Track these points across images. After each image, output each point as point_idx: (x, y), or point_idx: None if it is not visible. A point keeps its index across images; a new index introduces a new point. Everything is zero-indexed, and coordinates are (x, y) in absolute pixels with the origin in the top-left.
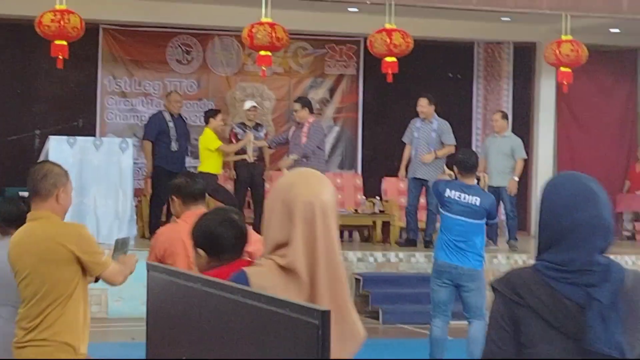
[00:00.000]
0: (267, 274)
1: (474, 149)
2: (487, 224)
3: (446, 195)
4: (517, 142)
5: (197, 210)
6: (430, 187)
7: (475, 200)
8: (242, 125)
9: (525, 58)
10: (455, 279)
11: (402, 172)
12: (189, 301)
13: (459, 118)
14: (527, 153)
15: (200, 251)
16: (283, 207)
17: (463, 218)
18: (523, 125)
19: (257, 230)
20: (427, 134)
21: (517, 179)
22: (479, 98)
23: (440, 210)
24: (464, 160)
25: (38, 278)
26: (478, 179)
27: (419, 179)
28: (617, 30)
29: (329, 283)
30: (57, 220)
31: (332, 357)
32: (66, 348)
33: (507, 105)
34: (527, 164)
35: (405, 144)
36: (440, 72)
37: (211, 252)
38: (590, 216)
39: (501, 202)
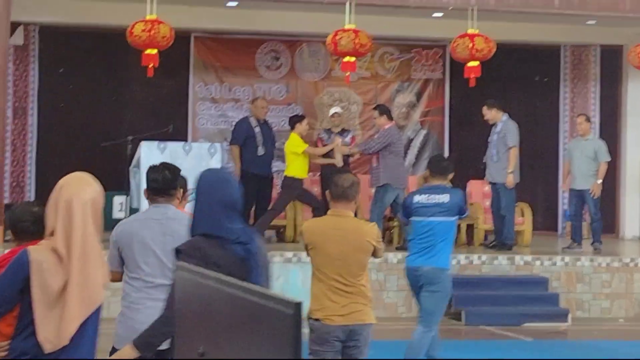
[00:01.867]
0: (42, 250)
1: (560, 152)
2: (461, 219)
3: (415, 201)
4: (600, 145)
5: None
6: (498, 189)
7: (444, 198)
8: (328, 130)
9: (612, 61)
10: (419, 280)
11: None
12: (204, 296)
13: (546, 121)
14: (614, 156)
15: (11, 233)
16: (54, 203)
17: (433, 218)
18: (611, 129)
19: None
20: (492, 137)
21: (600, 181)
22: (565, 101)
23: (412, 218)
24: (434, 162)
25: (352, 261)
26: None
27: (490, 182)
28: None
29: (80, 261)
30: (359, 219)
31: (73, 313)
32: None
33: (595, 109)
34: (615, 167)
35: None
36: (527, 75)
37: (16, 234)
38: (235, 196)
39: (585, 205)
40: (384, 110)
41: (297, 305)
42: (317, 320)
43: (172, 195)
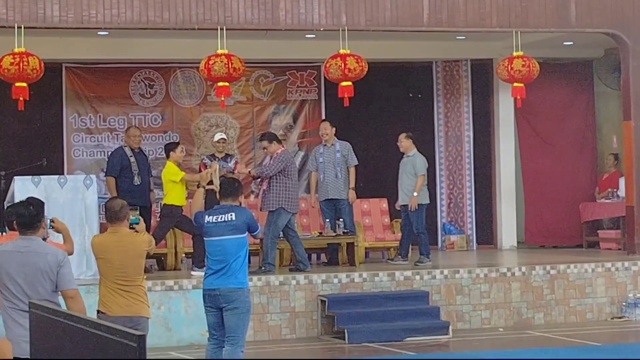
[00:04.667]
0: None
1: (437, 166)
2: (254, 237)
3: (206, 221)
4: (419, 159)
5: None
6: (343, 207)
7: (230, 216)
8: (212, 156)
9: (482, 74)
10: (217, 302)
11: (313, 197)
12: (57, 332)
13: (422, 136)
14: (489, 168)
15: None
16: None
17: (223, 237)
18: (484, 141)
19: None
20: (332, 156)
21: (416, 194)
22: (440, 116)
23: (205, 239)
24: (225, 185)
25: (130, 266)
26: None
27: (331, 199)
28: (570, 43)
29: None
30: (132, 233)
31: None
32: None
33: (468, 122)
34: (490, 179)
35: (311, 173)
36: (401, 92)
37: None
38: None
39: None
40: (272, 137)
41: (141, 338)
42: (102, 312)
43: (37, 228)
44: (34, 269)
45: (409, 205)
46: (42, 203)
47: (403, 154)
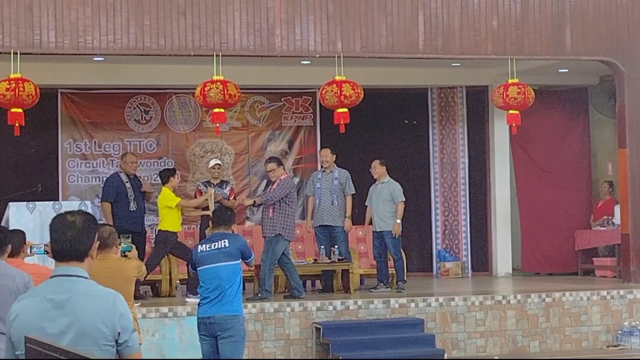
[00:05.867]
0: None
1: (432, 193)
2: (247, 264)
3: (199, 251)
4: (395, 186)
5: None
6: (338, 234)
7: (223, 243)
8: (207, 182)
9: (478, 101)
10: (212, 330)
11: (308, 222)
12: None
13: (417, 163)
14: (484, 194)
15: None
16: None
17: (216, 264)
18: (479, 167)
19: None
20: (329, 183)
21: (399, 221)
22: (435, 143)
23: (199, 268)
24: (217, 213)
25: (120, 291)
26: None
27: (326, 225)
28: (565, 71)
29: None
30: (120, 258)
31: None
32: None
33: (463, 149)
34: (486, 205)
35: (308, 198)
36: (396, 118)
37: None
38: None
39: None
40: (280, 161)
41: None
42: None
43: (3, 252)
44: (4, 289)
45: (394, 232)
46: (7, 230)
47: (375, 180)
